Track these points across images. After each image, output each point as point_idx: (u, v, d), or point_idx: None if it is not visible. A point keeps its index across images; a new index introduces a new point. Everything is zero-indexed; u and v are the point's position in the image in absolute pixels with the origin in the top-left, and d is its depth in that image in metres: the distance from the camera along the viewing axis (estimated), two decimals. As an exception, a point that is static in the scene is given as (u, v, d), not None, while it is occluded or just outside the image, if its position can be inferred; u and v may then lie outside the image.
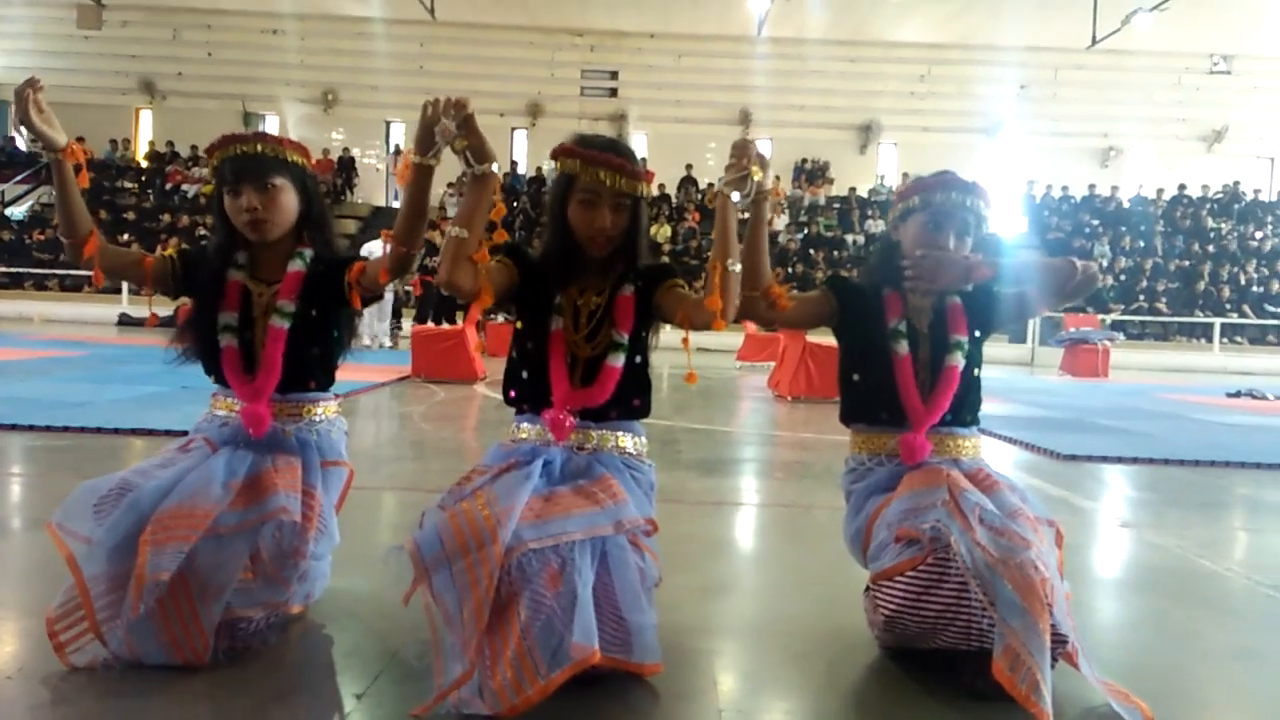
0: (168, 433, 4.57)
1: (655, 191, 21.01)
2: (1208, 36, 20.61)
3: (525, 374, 2.06)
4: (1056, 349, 14.46)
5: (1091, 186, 21.63)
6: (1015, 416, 6.77)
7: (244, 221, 2.08)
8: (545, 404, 2.00)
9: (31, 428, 4.61)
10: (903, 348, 2.13)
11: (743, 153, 1.94)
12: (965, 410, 2.17)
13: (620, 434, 2.05)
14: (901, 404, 2.11)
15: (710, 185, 21.41)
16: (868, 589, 2.06)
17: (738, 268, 1.94)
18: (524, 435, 2.04)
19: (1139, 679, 1.92)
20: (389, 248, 1.99)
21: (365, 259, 2.14)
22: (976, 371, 2.19)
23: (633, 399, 2.06)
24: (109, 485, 1.87)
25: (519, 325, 2.10)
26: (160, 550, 1.75)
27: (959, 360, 2.14)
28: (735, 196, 1.92)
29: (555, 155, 2.04)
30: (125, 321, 16.00)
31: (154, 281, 2.16)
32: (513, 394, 2.09)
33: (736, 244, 1.96)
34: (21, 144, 19.39)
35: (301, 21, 21.40)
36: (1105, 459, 5.13)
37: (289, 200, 2.11)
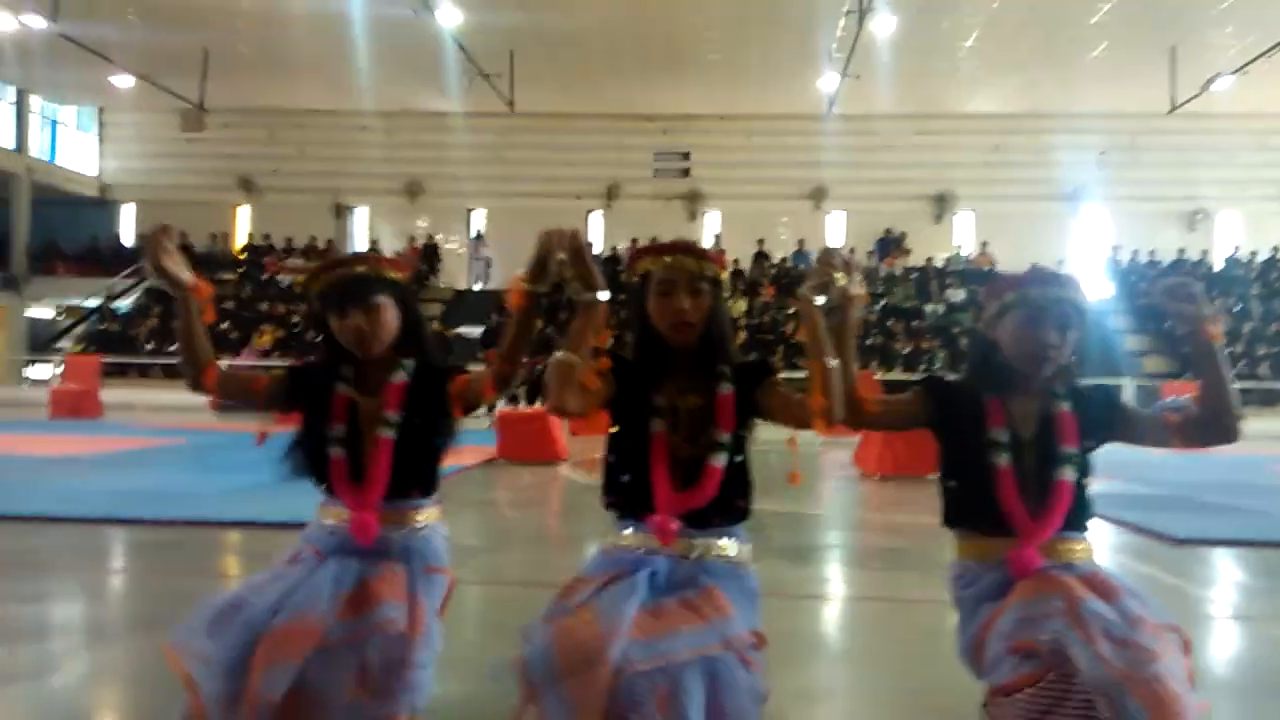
0: (269, 525, 4.68)
1: (730, 267, 21.17)
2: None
3: (625, 478, 2.05)
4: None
5: (1181, 250, 21.03)
6: (1120, 494, 6.49)
7: (350, 340, 2.16)
8: (646, 508, 1.98)
9: (138, 521, 4.78)
10: (1003, 459, 2.06)
11: (828, 260, 1.95)
12: (1076, 517, 2.09)
13: (724, 540, 2.02)
14: (1005, 516, 2.04)
15: (784, 260, 21.47)
16: (984, 704, 1.98)
17: (835, 364, 1.94)
18: (626, 542, 2.02)
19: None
20: (494, 367, 2.05)
21: (467, 372, 2.21)
22: (1087, 482, 2.11)
23: (736, 500, 2.03)
24: (224, 602, 1.92)
25: (615, 429, 2.11)
26: (271, 670, 1.79)
27: (1068, 474, 2.05)
28: (819, 300, 1.93)
29: (629, 263, 2.10)
30: (224, 408, 16.64)
31: (267, 401, 2.25)
32: (612, 499, 2.10)
33: (827, 342, 1.96)
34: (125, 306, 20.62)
35: (387, 118, 22.42)
36: (1220, 542, 4.86)
37: (391, 316, 2.19)
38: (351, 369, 2.23)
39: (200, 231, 22.54)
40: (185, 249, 22.57)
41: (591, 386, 1.90)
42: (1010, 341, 2.07)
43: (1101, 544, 4.93)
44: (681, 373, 2.05)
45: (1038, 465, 2.05)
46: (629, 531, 2.02)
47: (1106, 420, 2.10)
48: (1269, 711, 2.47)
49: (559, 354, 1.89)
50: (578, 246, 1.90)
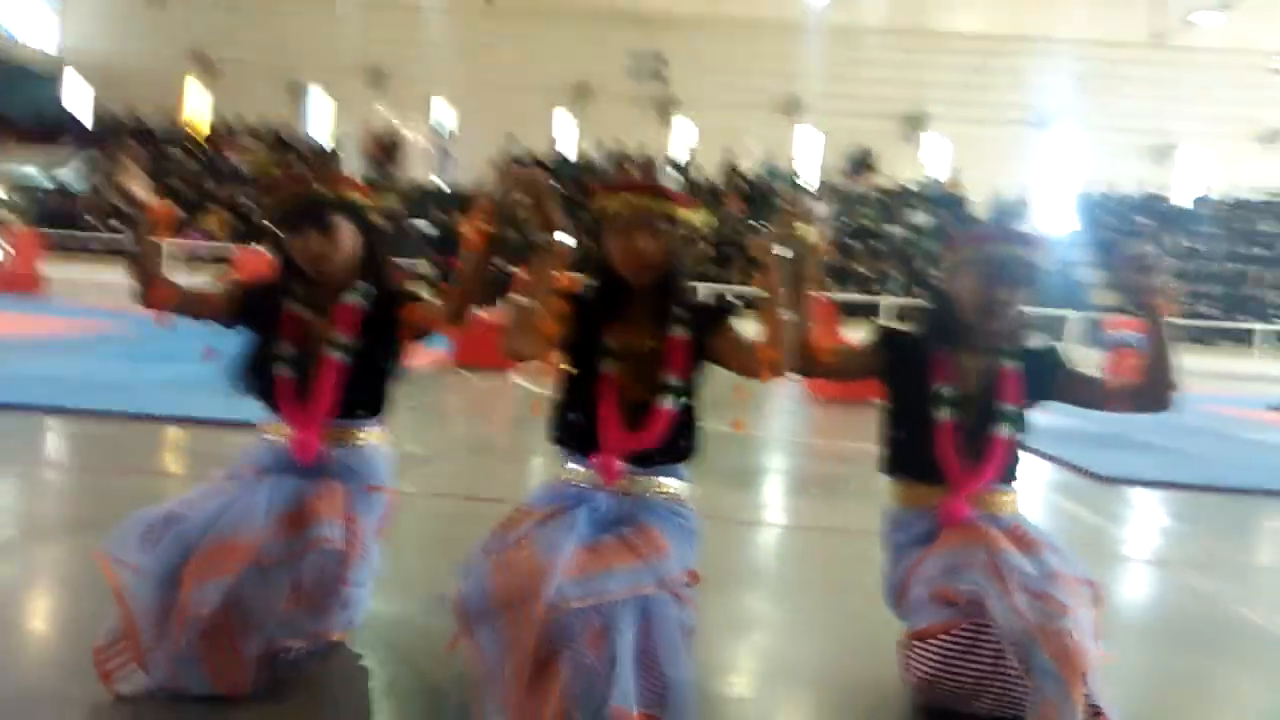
0: (215, 422, 4.63)
1: (700, 176, 20.91)
2: (1271, 35, 20.00)
3: (572, 416, 2.05)
4: (1099, 351, 14.21)
5: (1146, 185, 21.18)
6: (1053, 428, 6.64)
7: (306, 261, 2.14)
8: (593, 446, 2.00)
9: (77, 412, 4.69)
10: (946, 414, 2.10)
11: (792, 209, 1.92)
12: (1007, 471, 2.14)
13: (666, 479, 2.04)
14: (941, 467, 2.08)
15: (756, 173, 21.25)
16: (902, 644, 2.05)
17: (788, 316, 1.93)
18: (571, 477, 2.03)
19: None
20: (448, 302, 2.06)
21: (422, 300, 2.18)
22: (1022, 438, 2.15)
23: (680, 441, 2.05)
24: (157, 515, 1.91)
25: (569, 368, 2.09)
26: (203, 585, 1.79)
27: (1005, 431, 2.10)
28: (780, 251, 1.91)
29: (592, 201, 2.06)
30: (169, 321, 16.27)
31: (218, 317, 2.23)
32: (558, 435, 2.09)
33: (783, 294, 1.94)
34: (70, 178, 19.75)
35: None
36: (1144, 483, 5.03)
37: (348, 239, 2.17)
38: (305, 288, 2.20)
39: (151, 107, 21.67)
40: (137, 125, 21.77)
41: (549, 332, 1.88)
42: (964, 295, 2.11)
43: (1031, 479, 5.08)
44: (637, 313, 2.04)
45: (977, 419, 2.12)
46: (574, 467, 2.03)
47: (1049, 381, 2.16)
48: (1176, 658, 2.57)
49: (517, 298, 1.86)
50: (538, 188, 1.85)
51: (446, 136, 22.06)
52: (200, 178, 20.34)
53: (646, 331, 2.03)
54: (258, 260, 14.76)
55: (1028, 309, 2.13)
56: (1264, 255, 19.34)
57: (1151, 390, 2.10)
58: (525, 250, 1.92)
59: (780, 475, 4.90)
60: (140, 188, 2.09)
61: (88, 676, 1.85)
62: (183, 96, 23.13)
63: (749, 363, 1.97)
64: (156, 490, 3.59)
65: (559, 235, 1.88)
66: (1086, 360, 16.28)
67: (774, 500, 4.29)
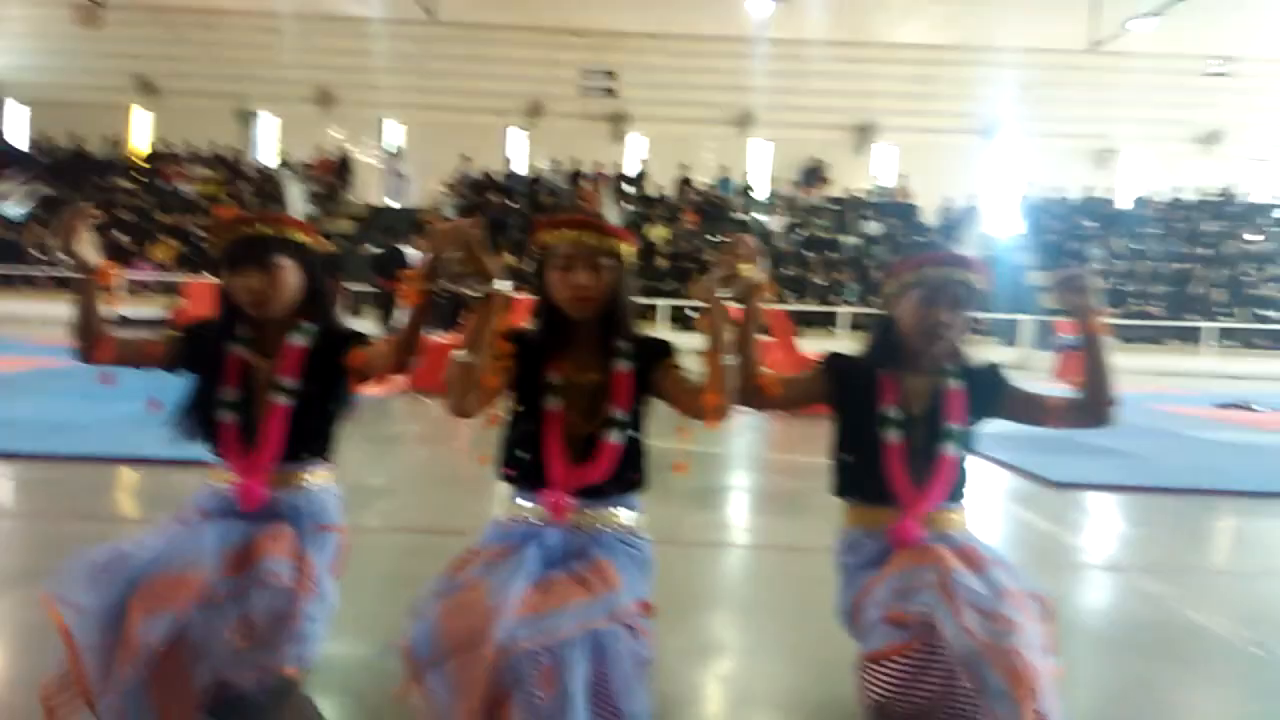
0: (162, 462, 4.57)
1: (657, 192, 21.01)
2: (1206, 39, 20.63)
3: (520, 453, 2.06)
4: (1049, 353, 14.51)
5: (1089, 189, 21.68)
6: (1005, 433, 6.76)
7: (246, 301, 2.11)
8: (541, 482, 2.01)
9: (20, 456, 4.60)
10: (893, 436, 2.14)
11: (733, 251, 1.95)
12: (956, 489, 2.19)
13: (616, 509, 2.05)
14: (891, 488, 2.13)
15: (710, 186, 21.41)
16: (858, 666, 2.08)
17: (732, 361, 1.96)
18: (520, 513, 2.04)
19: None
20: (391, 355, 2.03)
21: (369, 343, 2.16)
22: (968, 456, 2.20)
23: (630, 473, 2.06)
24: (104, 554, 1.88)
25: (515, 405, 2.10)
26: (150, 618, 1.76)
27: (951, 450, 2.15)
28: (722, 293, 1.94)
29: (533, 238, 2.07)
30: (123, 323, 15.97)
31: (160, 365, 2.19)
32: (507, 472, 2.09)
33: (726, 339, 1.97)
34: (11, 210, 19.22)
35: (300, 21, 21.30)
36: (1096, 486, 5.14)
37: (291, 278, 2.13)
38: (247, 328, 2.18)
39: (94, 135, 21.25)
40: (80, 154, 21.35)
41: (491, 386, 1.89)
42: (907, 318, 2.15)
43: (983, 486, 5.17)
44: (581, 347, 2.05)
45: (925, 440, 2.16)
46: (523, 503, 2.04)
47: (992, 399, 2.21)
48: (1132, 665, 2.63)
49: (458, 355, 1.86)
50: (470, 241, 1.85)
51: (397, 156, 21.93)
52: (148, 207, 20.01)
53: (590, 365, 2.04)
54: (207, 289, 14.55)
55: (971, 324, 2.18)
56: (1207, 255, 19.86)
57: (1091, 406, 2.16)
58: (461, 305, 1.93)
59: (740, 493, 4.94)
60: (88, 249, 2.05)
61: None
62: (127, 123, 22.75)
63: (692, 405, 1.99)
64: (109, 535, 3.51)
65: (496, 284, 1.88)
66: (1038, 363, 16.46)
67: (735, 519, 4.33)
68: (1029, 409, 2.24)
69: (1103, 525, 4.46)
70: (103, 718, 1.79)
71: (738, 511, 4.48)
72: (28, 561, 3.17)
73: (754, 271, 1.95)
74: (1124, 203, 21.61)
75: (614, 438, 2.01)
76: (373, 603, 2.63)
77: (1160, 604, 3.16)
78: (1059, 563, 3.68)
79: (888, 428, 2.15)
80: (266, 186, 20.66)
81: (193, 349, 2.19)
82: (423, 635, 1.68)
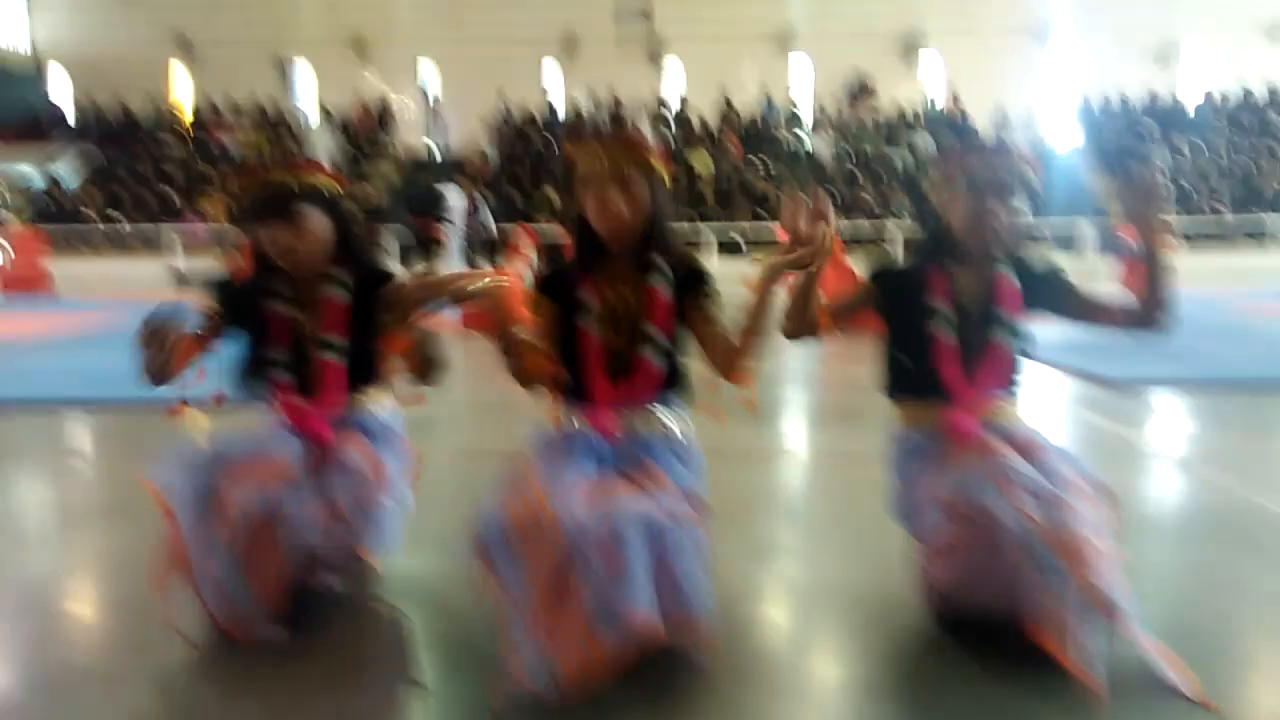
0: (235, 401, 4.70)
1: (696, 120, 20.64)
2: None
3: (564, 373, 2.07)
4: (1113, 259, 14.08)
5: (1152, 92, 20.76)
6: (1070, 341, 6.62)
7: (276, 255, 2.12)
8: (585, 399, 2.04)
9: (99, 402, 4.76)
10: (944, 329, 2.11)
11: (811, 237, 1.86)
12: (1009, 381, 2.15)
13: (663, 415, 2.07)
14: (943, 383, 2.10)
15: (752, 110, 20.96)
16: (918, 560, 2.08)
17: (766, 335, 1.99)
18: (568, 427, 2.07)
19: (1187, 638, 1.93)
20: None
21: (399, 284, 2.22)
22: (1021, 347, 2.16)
23: (668, 382, 2.08)
24: (198, 445, 2.03)
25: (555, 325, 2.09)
26: (243, 491, 1.91)
27: (1003, 339, 2.11)
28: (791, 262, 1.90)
29: (566, 160, 2.07)
30: (177, 278, 16.30)
31: (213, 339, 2.21)
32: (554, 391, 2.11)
33: (768, 323, 1.99)
34: (63, 174, 19.30)
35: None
36: (1162, 383, 5.02)
37: (318, 226, 2.13)
38: (286, 284, 2.19)
39: (136, 95, 21.52)
40: (125, 116, 21.63)
41: (544, 369, 1.95)
42: (955, 212, 2.10)
43: (1044, 389, 5.09)
44: (617, 265, 2.05)
45: (976, 332, 2.12)
46: (570, 419, 2.08)
47: (1045, 292, 2.17)
48: (1194, 552, 2.60)
49: (504, 355, 1.93)
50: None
51: (434, 99, 21.83)
52: (191, 162, 20.28)
53: (627, 284, 2.04)
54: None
55: (1024, 221, 2.13)
56: (1275, 148, 18.97)
57: (1148, 314, 2.11)
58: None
59: (793, 405, 4.92)
60: (178, 340, 2.01)
61: (132, 654, 1.92)
62: (167, 81, 22.95)
63: (718, 360, 2.03)
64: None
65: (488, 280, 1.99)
66: (1101, 269, 16.09)
67: (788, 430, 4.32)
68: (1083, 308, 2.19)
69: (1169, 422, 4.37)
70: (202, 590, 1.92)
71: (790, 423, 4.47)
72: (107, 498, 3.29)
73: (825, 235, 1.85)
74: (1188, 100, 20.68)
75: (651, 356, 2.01)
76: (441, 519, 2.70)
77: (1228, 493, 3.09)
78: (1124, 458, 3.62)
79: (938, 321, 2.12)
80: (308, 136, 20.77)
81: (235, 312, 2.21)
82: (489, 525, 1.75)
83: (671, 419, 2.08)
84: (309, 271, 2.16)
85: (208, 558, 1.89)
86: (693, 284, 2.06)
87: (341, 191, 2.24)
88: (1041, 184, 2.18)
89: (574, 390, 2.06)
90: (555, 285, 2.07)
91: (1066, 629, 1.70)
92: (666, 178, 2.05)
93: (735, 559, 2.45)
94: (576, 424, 2.06)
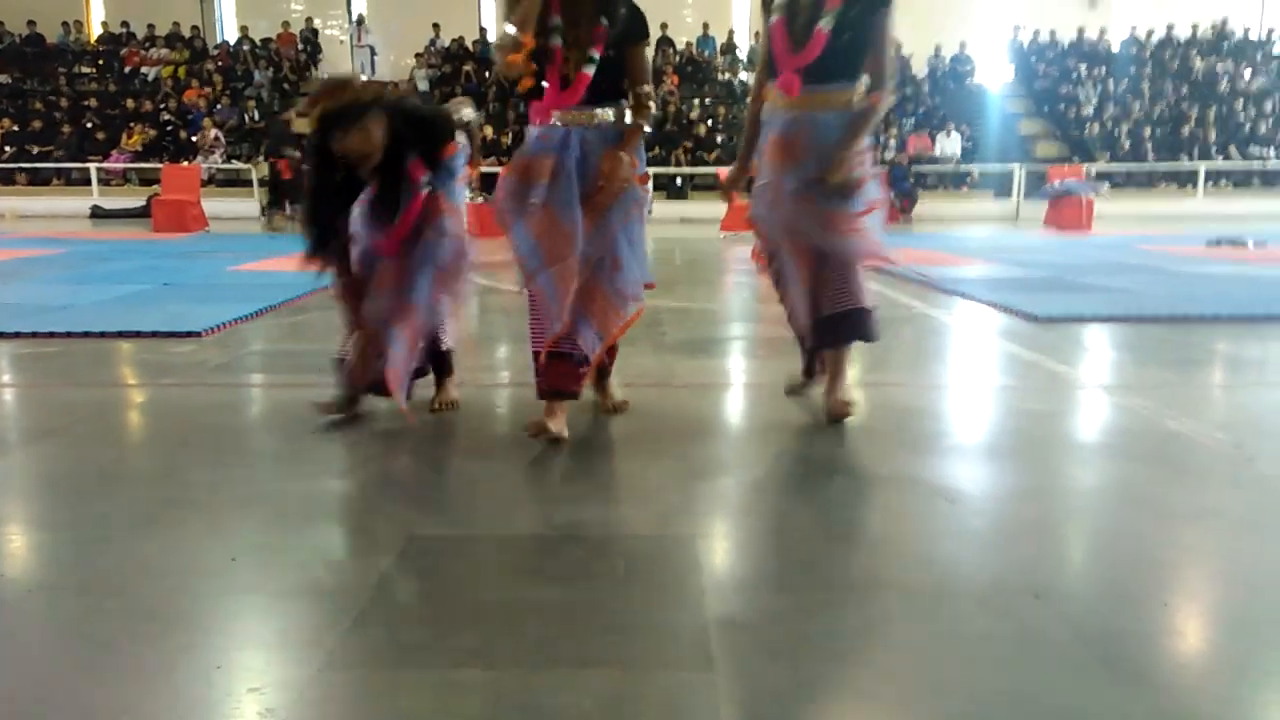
0: (154, 334, 4.59)
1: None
2: None
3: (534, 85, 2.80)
4: (1042, 203, 14.40)
5: (1080, 30, 21.01)
6: (994, 278, 6.80)
7: (353, 157, 2.82)
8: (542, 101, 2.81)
9: (17, 335, 4.62)
10: (775, 15, 2.92)
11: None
12: (837, 67, 2.85)
13: (600, 110, 2.80)
14: (775, 58, 2.93)
15: (689, 45, 20.69)
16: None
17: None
18: (550, 123, 2.80)
19: (1104, 546, 2.04)
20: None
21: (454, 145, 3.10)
22: (847, 37, 2.80)
23: (607, 92, 2.79)
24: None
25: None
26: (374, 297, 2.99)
27: (825, 25, 2.79)
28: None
29: None
30: (98, 214, 15.71)
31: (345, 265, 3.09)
32: (524, 102, 2.88)
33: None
34: None
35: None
36: (1081, 319, 5.20)
37: (379, 131, 2.82)
38: (372, 180, 2.94)
39: (50, 19, 20.36)
40: (38, 42, 20.47)
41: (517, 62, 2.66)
42: None
43: (966, 323, 5.24)
44: (579, 5, 2.74)
45: (805, 22, 2.85)
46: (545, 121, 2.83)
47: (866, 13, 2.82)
48: (1116, 469, 2.74)
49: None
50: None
51: (363, 28, 21.10)
52: (112, 94, 19.35)
53: (584, 17, 2.71)
54: (182, 174, 14.27)
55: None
56: (1203, 93, 19.43)
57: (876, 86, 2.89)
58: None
59: (732, 342, 4.99)
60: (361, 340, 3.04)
61: (56, 562, 1.90)
62: (85, 6, 21.75)
63: (635, 96, 2.86)
64: (112, 399, 3.59)
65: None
66: (1029, 212, 16.27)
67: (728, 365, 4.38)
68: (872, 45, 2.83)
69: (1088, 354, 4.53)
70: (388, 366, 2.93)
71: (728, 358, 4.54)
72: (38, 422, 3.23)
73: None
74: (1116, 43, 21.00)
75: (588, 70, 2.73)
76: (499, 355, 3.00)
77: (1143, 416, 3.24)
78: (1044, 385, 3.76)
79: (771, 9, 2.93)
80: (230, 64, 19.95)
81: (331, 226, 2.97)
82: (527, 250, 2.73)
83: (612, 113, 2.81)
84: (371, 164, 2.86)
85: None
86: (633, 37, 2.78)
87: (391, 94, 2.96)
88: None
89: (537, 94, 2.78)
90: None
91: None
92: None
93: (673, 480, 2.52)
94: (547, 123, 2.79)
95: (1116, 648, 1.64)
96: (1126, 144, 18.28)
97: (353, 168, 2.87)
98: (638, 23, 2.79)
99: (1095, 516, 2.37)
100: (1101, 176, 15.87)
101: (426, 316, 2.98)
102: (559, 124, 2.77)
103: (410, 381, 3.04)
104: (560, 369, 2.78)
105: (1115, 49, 20.69)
